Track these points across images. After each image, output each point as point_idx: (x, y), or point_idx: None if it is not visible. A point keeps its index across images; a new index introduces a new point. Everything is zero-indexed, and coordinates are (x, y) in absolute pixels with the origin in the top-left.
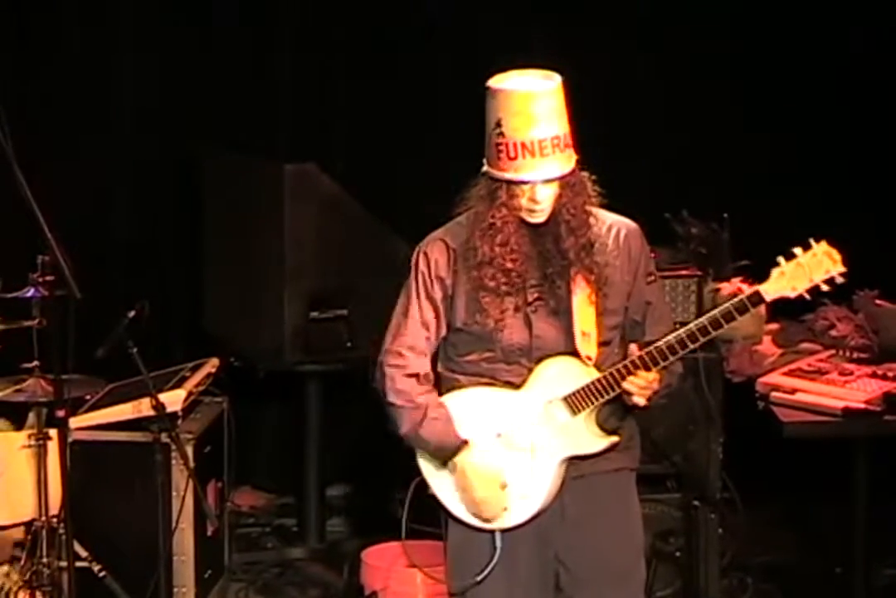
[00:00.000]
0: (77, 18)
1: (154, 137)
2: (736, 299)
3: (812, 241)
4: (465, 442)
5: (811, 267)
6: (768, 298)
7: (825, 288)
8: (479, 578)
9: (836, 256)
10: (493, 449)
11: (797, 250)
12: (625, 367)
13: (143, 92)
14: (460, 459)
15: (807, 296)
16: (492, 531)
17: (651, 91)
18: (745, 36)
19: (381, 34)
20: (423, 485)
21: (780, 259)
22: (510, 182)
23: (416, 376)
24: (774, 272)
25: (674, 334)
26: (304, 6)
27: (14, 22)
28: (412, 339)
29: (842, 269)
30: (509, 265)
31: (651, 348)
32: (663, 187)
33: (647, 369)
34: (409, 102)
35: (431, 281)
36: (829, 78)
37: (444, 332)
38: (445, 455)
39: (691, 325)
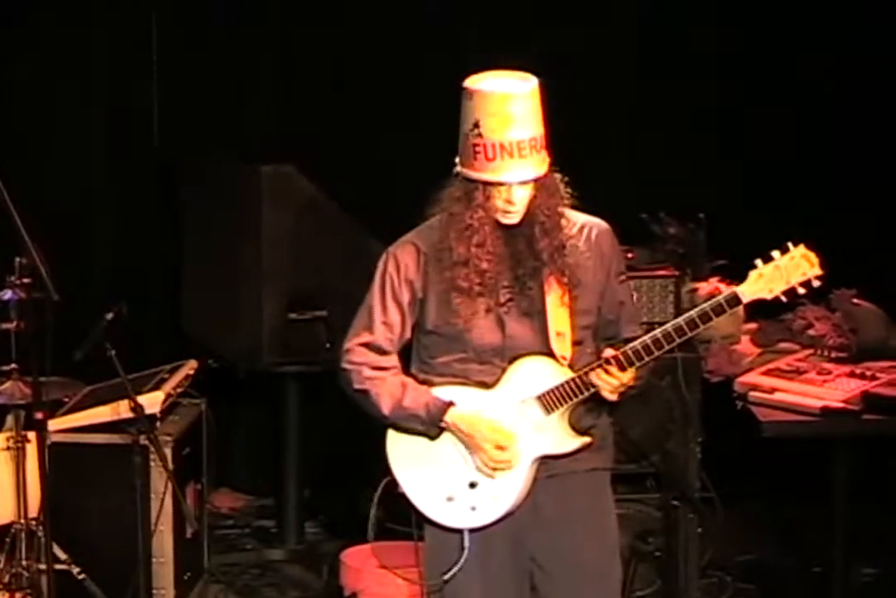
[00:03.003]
0: (55, 17)
1: (132, 137)
2: (713, 301)
3: (790, 244)
4: (451, 402)
5: (788, 270)
6: (745, 299)
7: (802, 291)
8: (446, 577)
9: (814, 259)
10: (451, 447)
11: (775, 253)
12: (599, 366)
13: (121, 93)
14: (452, 416)
15: (783, 298)
16: (460, 531)
17: (630, 91)
18: (732, 36)
19: (370, 33)
20: (393, 484)
21: (758, 261)
22: (487, 183)
23: (382, 367)
24: (752, 274)
25: (649, 335)
26: (286, 6)
27: None
28: (375, 339)
29: (819, 272)
30: (484, 266)
31: (626, 348)
32: (640, 187)
33: (623, 369)
34: (392, 103)
35: (399, 284)
36: (816, 78)
37: (407, 335)
38: (435, 419)
39: (668, 326)
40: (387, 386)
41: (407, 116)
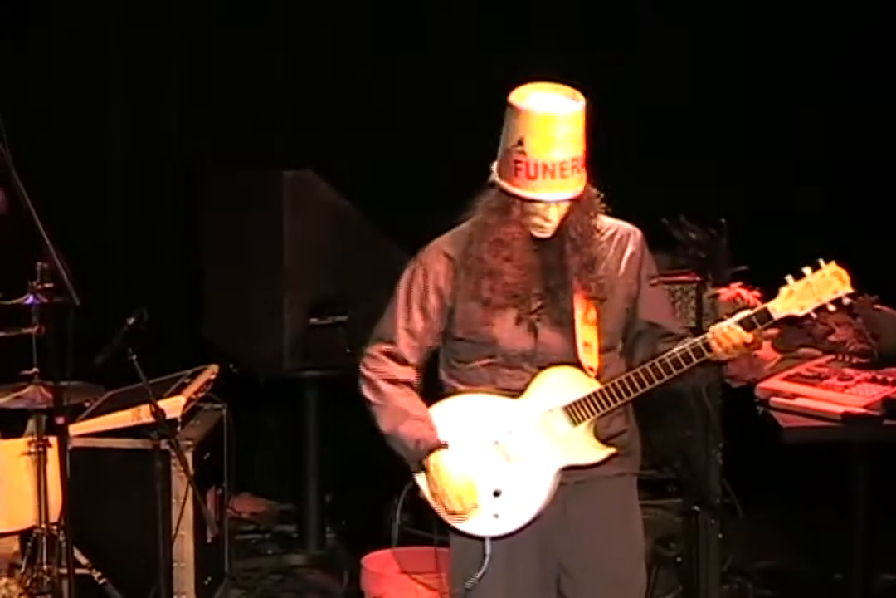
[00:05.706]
0: (71, 23)
1: (152, 143)
2: (744, 316)
3: (821, 261)
4: (443, 445)
5: (819, 287)
6: (776, 316)
7: (832, 308)
8: (468, 584)
9: (845, 276)
10: (476, 456)
11: (806, 270)
12: (628, 379)
13: (139, 97)
14: (435, 458)
15: (814, 315)
16: (481, 538)
17: (649, 95)
18: (745, 39)
19: (379, 36)
20: (417, 490)
21: (789, 278)
22: (526, 200)
23: (395, 381)
24: (783, 291)
25: (678, 348)
26: (301, 8)
27: (9, 26)
28: (397, 347)
29: (850, 290)
30: (511, 280)
31: (656, 360)
32: (661, 192)
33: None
34: (408, 107)
35: (427, 291)
36: (828, 81)
37: (431, 343)
38: (419, 456)
39: (698, 339)
40: (391, 407)
41: (429, 120)
